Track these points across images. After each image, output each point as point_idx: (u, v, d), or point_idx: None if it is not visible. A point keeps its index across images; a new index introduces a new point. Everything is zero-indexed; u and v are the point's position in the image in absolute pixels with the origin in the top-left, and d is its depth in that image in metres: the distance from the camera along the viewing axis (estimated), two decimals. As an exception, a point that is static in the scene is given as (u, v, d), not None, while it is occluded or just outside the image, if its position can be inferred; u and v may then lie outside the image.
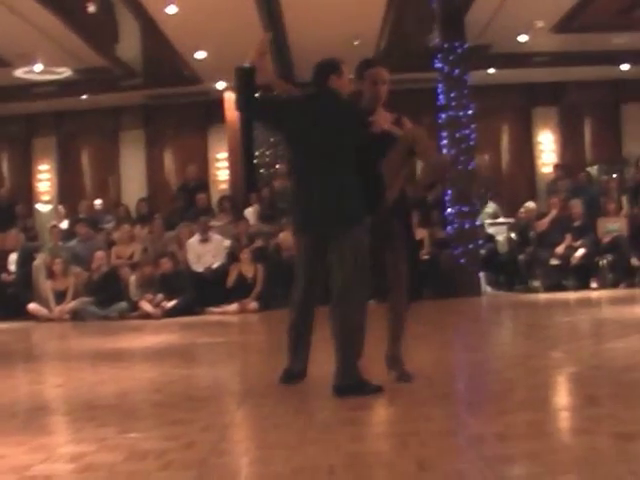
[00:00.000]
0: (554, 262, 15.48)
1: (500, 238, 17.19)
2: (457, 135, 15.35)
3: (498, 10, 15.45)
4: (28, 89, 18.85)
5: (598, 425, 4.44)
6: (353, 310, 6.01)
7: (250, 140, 20.24)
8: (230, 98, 20.15)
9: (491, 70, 18.86)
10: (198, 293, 15.03)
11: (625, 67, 19.41)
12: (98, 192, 20.74)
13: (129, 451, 4.39)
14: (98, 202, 19.38)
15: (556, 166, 19.67)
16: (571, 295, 14.58)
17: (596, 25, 16.47)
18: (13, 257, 16.50)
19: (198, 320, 14.02)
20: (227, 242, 16.15)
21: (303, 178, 6.10)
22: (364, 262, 5.97)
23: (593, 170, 19.51)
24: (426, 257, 15.36)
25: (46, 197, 20.99)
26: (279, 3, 14.67)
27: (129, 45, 17.19)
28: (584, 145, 21.14)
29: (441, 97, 15.59)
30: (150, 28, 15.61)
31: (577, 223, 15.91)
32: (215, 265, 15.50)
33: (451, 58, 15.48)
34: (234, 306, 14.71)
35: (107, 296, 14.94)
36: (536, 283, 15.53)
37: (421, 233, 15.62)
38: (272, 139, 19.95)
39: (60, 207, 19.36)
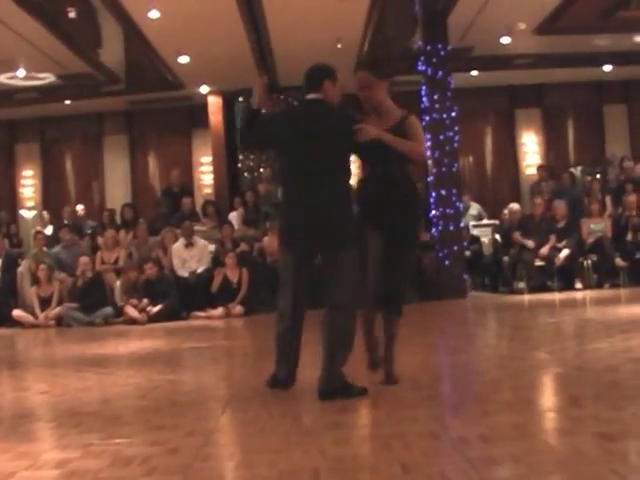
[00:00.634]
0: (538, 263, 15.51)
1: (485, 240, 17.23)
2: (441, 137, 15.36)
3: (480, 12, 15.48)
4: (11, 95, 18.82)
5: (581, 426, 4.46)
6: (348, 319, 6.09)
7: (234, 144, 20.22)
8: (214, 102, 20.19)
9: (474, 72, 18.91)
10: (183, 298, 15.01)
11: (607, 68, 19.49)
12: (82, 198, 20.73)
13: (114, 457, 4.39)
14: (80, 207, 19.33)
15: (540, 167, 19.71)
16: (556, 296, 14.61)
17: (578, 27, 16.52)
18: (-3, 263, 16.46)
19: (183, 325, 14.00)
20: (211, 247, 16.13)
21: (296, 189, 6.14)
22: (357, 275, 6.09)
23: (576, 171, 19.57)
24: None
25: (30, 203, 20.95)
26: (262, 7, 14.65)
27: (112, 50, 17.17)
28: (567, 146, 21.23)
29: (424, 99, 15.59)
30: (133, 33, 15.59)
31: (561, 224, 15.94)
32: (200, 270, 15.48)
33: (434, 60, 15.48)
34: (219, 310, 14.69)
35: (92, 302, 14.90)
36: (521, 284, 15.57)
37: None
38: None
39: (44, 213, 19.33)
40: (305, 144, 6.00)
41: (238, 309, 14.76)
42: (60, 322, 14.94)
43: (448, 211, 15.31)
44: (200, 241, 15.89)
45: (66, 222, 18.29)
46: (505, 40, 16.93)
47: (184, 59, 17.11)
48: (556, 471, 3.69)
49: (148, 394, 6.57)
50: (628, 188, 17.06)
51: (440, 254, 15.35)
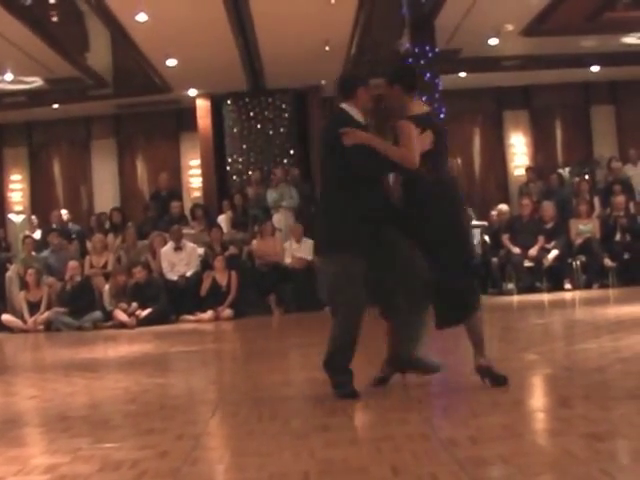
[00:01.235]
0: (527, 264, 15.54)
1: (474, 241, 17.22)
2: (428, 140, 15.34)
3: (467, 14, 15.50)
4: (-2, 99, 18.80)
5: (570, 426, 4.47)
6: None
7: (222, 147, 20.22)
8: (202, 105, 20.17)
9: (462, 74, 18.93)
10: (172, 301, 15.01)
11: (595, 69, 19.52)
12: (70, 202, 20.70)
13: (103, 461, 4.39)
14: (64, 212, 19.27)
15: (528, 169, 19.73)
16: (544, 297, 14.63)
17: (565, 28, 16.56)
18: (-15, 268, 16.43)
19: (172, 328, 14.00)
20: (200, 250, 16.12)
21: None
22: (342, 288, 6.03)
23: (565, 172, 19.59)
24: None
25: (18, 207, 20.89)
26: (249, 11, 14.64)
27: (100, 54, 17.16)
28: (555, 147, 21.26)
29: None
30: (120, 36, 15.57)
31: (549, 225, 15.97)
32: (189, 273, 15.47)
33: (422, 62, 15.51)
34: (208, 314, 14.69)
35: (81, 306, 14.88)
36: (510, 285, 15.58)
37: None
38: (244, 146, 19.93)
39: (33, 217, 19.28)
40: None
41: (227, 312, 14.76)
42: (49, 327, 14.92)
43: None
44: (189, 244, 15.88)
45: (54, 226, 18.24)
46: (493, 42, 16.94)
47: (172, 62, 17.08)
48: (545, 472, 3.69)
49: (137, 398, 6.56)
50: (616, 189, 17.11)
51: (429, 256, 15.31)
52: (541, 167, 20.12)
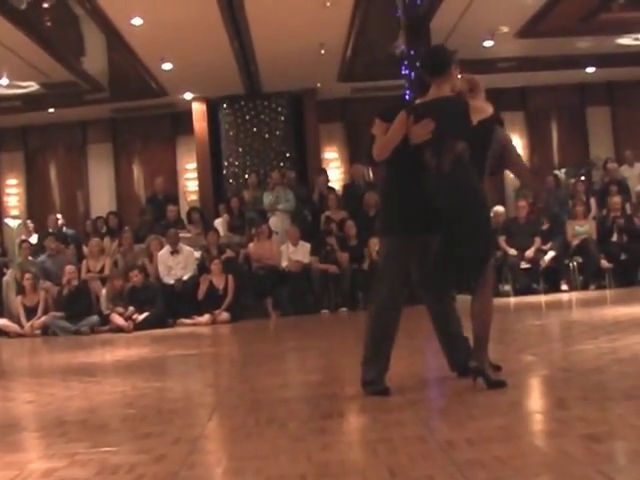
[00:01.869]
0: (524, 266, 15.55)
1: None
2: (425, 141, 15.34)
3: (463, 16, 15.51)
4: (-6, 104, 18.79)
5: (568, 427, 4.46)
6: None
7: (218, 150, 20.22)
8: (198, 109, 20.17)
9: (457, 76, 18.91)
10: (169, 305, 15.01)
11: (590, 70, 19.55)
12: (67, 206, 20.70)
13: (100, 466, 4.38)
14: (59, 216, 19.25)
15: (524, 170, 19.68)
16: (541, 298, 14.64)
17: (560, 30, 16.58)
18: (-18, 273, 16.42)
19: (169, 332, 13.99)
20: (197, 253, 16.12)
21: None
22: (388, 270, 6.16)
23: (561, 173, 19.61)
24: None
25: (15, 212, 20.88)
26: (245, 14, 14.65)
27: (95, 58, 17.14)
28: (551, 149, 21.28)
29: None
30: (116, 41, 15.58)
31: (546, 226, 15.99)
32: (185, 277, 15.47)
33: (417, 64, 15.48)
34: (205, 317, 14.70)
35: (78, 310, 14.88)
36: (506, 287, 15.58)
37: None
38: (240, 149, 19.92)
39: (29, 222, 19.27)
40: None
41: (224, 316, 14.77)
42: (46, 331, 14.92)
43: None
44: (185, 248, 15.88)
45: (51, 231, 18.23)
46: (488, 44, 16.97)
47: (167, 66, 17.10)
48: (543, 473, 3.69)
49: (134, 402, 6.56)
50: (612, 190, 17.13)
51: (425, 258, 15.32)
52: (537, 168, 20.14)
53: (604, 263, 15.63)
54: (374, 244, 15.53)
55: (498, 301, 14.61)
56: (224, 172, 20.10)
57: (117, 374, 8.99)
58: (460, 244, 5.78)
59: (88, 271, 16.03)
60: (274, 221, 17.19)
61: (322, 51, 16.50)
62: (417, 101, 6.11)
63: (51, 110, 19.59)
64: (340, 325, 13.86)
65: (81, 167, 21.20)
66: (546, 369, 6.74)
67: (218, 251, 16.02)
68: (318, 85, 19.76)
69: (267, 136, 19.98)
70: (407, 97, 15.60)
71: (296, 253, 15.73)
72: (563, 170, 19.85)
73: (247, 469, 4.15)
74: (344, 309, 15.20)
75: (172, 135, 21.20)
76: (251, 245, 16.14)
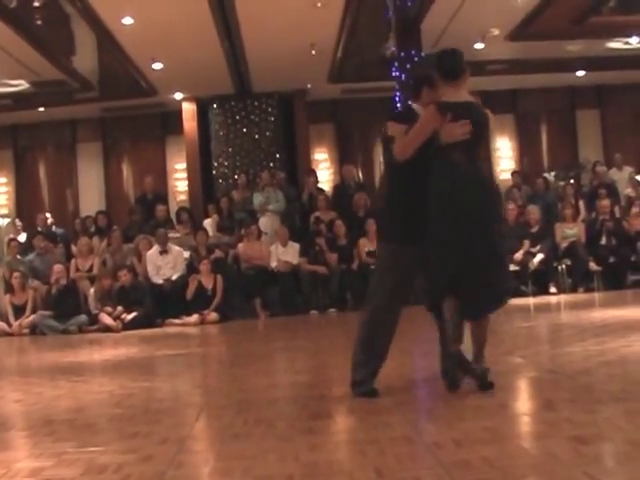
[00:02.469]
0: (512, 268, 15.55)
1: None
2: (415, 143, 15.37)
3: (453, 18, 15.53)
4: (-16, 102, 18.75)
5: (555, 429, 4.47)
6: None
7: (208, 151, 20.20)
8: (188, 109, 20.16)
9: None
10: (157, 305, 14.99)
11: (580, 74, 19.59)
12: (56, 205, 20.67)
13: (87, 465, 4.37)
14: (48, 215, 19.20)
15: (514, 173, 19.76)
16: (530, 300, 14.65)
17: (551, 33, 16.61)
18: (-29, 271, 16.37)
19: (158, 332, 13.97)
20: (186, 253, 16.09)
21: None
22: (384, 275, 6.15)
23: (550, 176, 19.66)
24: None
25: (3, 210, 20.83)
26: (235, 14, 14.64)
27: (85, 57, 17.11)
28: (541, 151, 21.33)
29: (399, 105, 15.63)
30: (106, 40, 15.56)
31: (535, 229, 16.02)
32: (174, 277, 15.45)
33: (408, 66, 15.53)
34: (194, 317, 14.67)
35: (66, 310, 14.84)
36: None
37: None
38: (230, 150, 19.91)
39: (17, 220, 19.23)
40: None
41: (213, 316, 14.75)
42: (34, 330, 14.87)
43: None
44: (174, 248, 15.85)
45: (40, 229, 18.19)
46: (478, 46, 16.98)
47: (158, 66, 17.08)
48: (530, 474, 3.70)
49: (122, 402, 6.55)
50: (601, 193, 17.16)
51: (414, 259, 15.33)
52: (527, 171, 20.18)
53: (593, 266, 15.66)
54: (363, 245, 15.58)
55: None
56: (214, 172, 20.09)
57: (105, 374, 8.98)
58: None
59: (77, 270, 16.00)
60: (264, 222, 17.18)
61: (312, 52, 16.50)
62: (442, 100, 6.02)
63: (41, 109, 19.55)
64: (329, 326, 13.87)
65: (70, 166, 21.16)
66: (534, 371, 6.75)
67: (207, 251, 16.00)
68: (308, 86, 19.76)
69: (257, 136, 19.97)
70: (397, 99, 15.64)
71: (285, 254, 15.73)
72: (552, 173, 19.90)
73: (235, 469, 4.16)
74: (333, 310, 15.21)
75: (162, 135, 21.19)
76: (240, 245, 16.13)
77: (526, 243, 15.71)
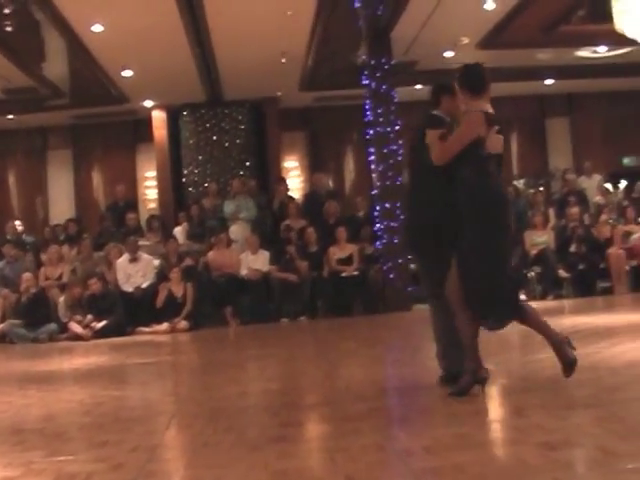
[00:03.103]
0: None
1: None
2: (384, 151, 15.46)
3: (424, 27, 15.58)
4: (-46, 109, 18.65)
5: (525, 436, 4.48)
6: None
7: (178, 158, 20.16)
8: (158, 116, 20.11)
9: (418, 86, 18.98)
10: (128, 313, 14.93)
11: (550, 82, 19.70)
12: (26, 212, 20.55)
13: (56, 474, 4.34)
14: (17, 223, 19.09)
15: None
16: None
17: (521, 41, 16.69)
18: (-61, 280, 16.25)
19: (128, 340, 13.92)
20: (156, 261, 16.05)
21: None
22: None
23: (520, 184, 19.72)
24: (355, 273, 15.43)
25: (-27, 218, 20.69)
26: (206, 22, 14.63)
27: (56, 64, 17.02)
28: (511, 159, 21.38)
29: (368, 113, 15.68)
30: (76, 47, 15.49)
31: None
32: (144, 285, 15.40)
33: (378, 74, 15.59)
34: (164, 326, 14.63)
35: (36, 318, 14.76)
36: (465, 296, 15.60)
37: (350, 249, 15.70)
38: (201, 157, 19.88)
39: (-15, 228, 19.11)
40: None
41: (183, 324, 14.71)
42: (4, 339, 14.78)
43: (392, 224, 15.37)
44: (145, 256, 15.81)
45: (9, 237, 18.08)
46: (448, 54, 17.03)
47: (128, 73, 17.04)
48: (499, 481, 3.71)
49: (92, 410, 6.52)
50: (571, 200, 17.26)
51: (385, 267, 15.40)
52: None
53: (562, 273, 15.75)
54: (334, 252, 15.59)
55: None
56: (184, 180, 20.04)
57: (75, 382, 8.95)
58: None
59: (46, 279, 15.92)
60: (235, 229, 17.15)
61: (283, 60, 16.50)
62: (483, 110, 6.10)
63: (10, 116, 19.46)
64: (300, 333, 13.86)
65: (41, 173, 21.05)
66: (505, 378, 6.77)
67: (177, 259, 15.97)
68: (279, 94, 19.76)
69: (227, 144, 19.95)
70: (367, 107, 15.69)
71: (255, 261, 15.71)
72: (522, 180, 19.97)
73: (205, 477, 4.14)
74: (303, 317, 15.20)
75: (132, 142, 21.11)
76: (211, 253, 16.10)
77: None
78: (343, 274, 15.45)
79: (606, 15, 13.19)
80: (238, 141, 20.04)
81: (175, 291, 14.97)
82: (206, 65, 17.16)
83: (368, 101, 15.76)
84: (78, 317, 14.60)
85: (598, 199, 18.28)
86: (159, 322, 14.73)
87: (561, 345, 6.03)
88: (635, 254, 16.10)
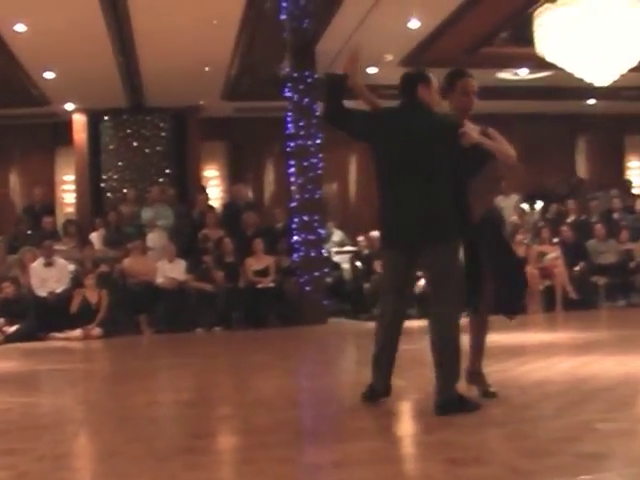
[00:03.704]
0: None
1: (346, 266, 17.36)
2: (305, 164, 15.50)
3: (348, 42, 15.64)
4: None
5: (432, 452, 4.53)
6: (450, 325, 6.02)
7: (98, 163, 19.99)
8: (78, 120, 19.92)
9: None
10: (41, 318, 14.72)
11: (472, 102, 19.92)
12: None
13: (-42, 482, 4.28)
14: None
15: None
16: (415, 323, 14.77)
17: (444, 60, 16.78)
18: None
19: (40, 346, 13.72)
20: (71, 266, 15.87)
21: (395, 193, 6.04)
22: (460, 279, 6.06)
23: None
24: (271, 285, 15.44)
25: None
26: (130, 28, 14.54)
27: (-25, 64, 16.80)
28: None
29: (290, 126, 15.71)
30: (-3, 45, 15.30)
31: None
32: (59, 290, 15.21)
33: (301, 87, 15.64)
34: (77, 332, 14.45)
35: (-54, 321, 14.50)
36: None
37: (267, 260, 15.70)
38: (120, 163, 19.75)
39: None
40: (408, 145, 6.03)
41: (97, 331, 14.55)
42: None
43: (310, 237, 15.42)
44: (60, 261, 15.62)
45: None
46: (372, 70, 17.13)
47: (50, 75, 16.85)
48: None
49: (-1, 417, 6.43)
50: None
51: (301, 280, 15.44)
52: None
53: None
54: (250, 263, 15.58)
55: (373, 325, 14.80)
56: (103, 185, 19.88)
57: (-17, 387, 8.80)
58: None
59: (-42, 281, 15.65)
60: (152, 237, 17.04)
61: (207, 68, 16.47)
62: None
63: None
64: (214, 344, 13.80)
65: (-44, 174, 20.72)
66: (416, 393, 6.82)
67: (93, 265, 15.81)
68: (202, 102, 19.71)
69: (148, 151, 19.83)
70: (289, 119, 15.74)
71: (172, 270, 15.62)
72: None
73: (111, 487, 4.11)
74: (218, 328, 15.14)
75: (52, 145, 20.85)
76: (126, 260, 15.96)
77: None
78: (259, 285, 15.43)
79: (528, 39, 13.39)
80: (159, 148, 19.94)
81: (90, 297, 14.80)
82: (129, 71, 17.04)
83: (290, 114, 15.80)
84: (-11, 321, 14.38)
85: (514, 219, 18.51)
86: (72, 328, 14.55)
87: (472, 376, 6.22)
88: (549, 274, 16.34)
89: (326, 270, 16.22)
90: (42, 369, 10.55)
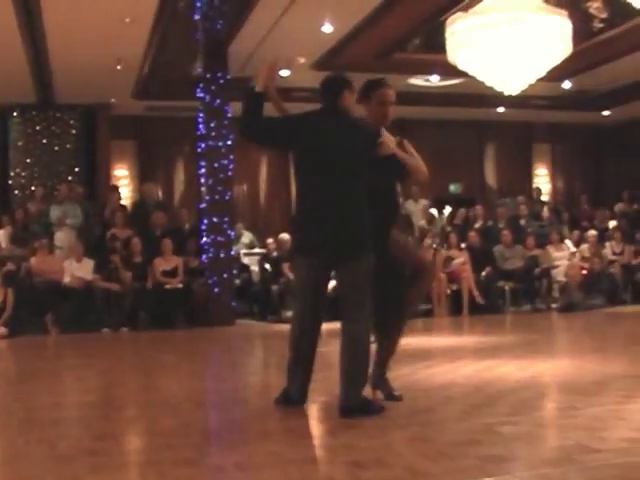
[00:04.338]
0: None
1: (255, 268, 17.37)
2: (215, 165, 15.49)
3: (261, 44, 15.66)
4: None
5: (335, 454, 4.57)
6: (364, 333, 6.05)
7: (5, 160, 19.70)
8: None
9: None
10: (-57, 317, 14.49)
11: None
12: None
13: None
14: None
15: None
16: (324, 326, 14.83)
17: (356, 65, 16.89)
18: None
19: (-58, 345, 13.52)
20: (-24, 265, 15.62)
21: (314, 198, 5.97)
22: (371, 287, 6.01)
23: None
24: (180, 285, 15.39)
25: None
26: (41, 22, 14.35)
27: None
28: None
29: (201, 127, 15.68)
30: None
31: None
32: (-37, 288, 14.97)
33: (213, 88, 15.62)
34: (-19, 331, 14.26)
35: None
36: (289, 313, 15.70)
37: (175, 261, 15.63)
38: (29, 160, 19.49)
39: None
40: (327, 149, 5.96)
41: (2, 330, 14.34)
42: None
43: (219, 238, 15.42)
44: (-36, 258, 15.38)
45: None
46: (284, 73, 17.16)
47: (-43, 71, 16.58)
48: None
49: None
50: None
51: (210, 281, 15.41)
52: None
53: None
54: (158, 264, 15.49)
55: (281, 327, 14.82)
56: (10, 182, 19.59)
57: None
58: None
59: None
60: (60, 236, 16.84)
61: (118, 66, 16.34)
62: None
63: None
64: (120, 344, 13.70)
65: None
66: (323, 396, 6.84)
67: (-1, 263, 15.59)
68: (112, 100, 19.54)
69: (57, 148, 19.62)
70: (200, 119, 15.71)
71: (79, 269, 15.46)
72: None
73: (11, 489, 4.07)
74: (125, 328, 15.04)
75: (-42, 141, 20.51)
76: (33, 259, 15.76)
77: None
78: (167, 286, 15.36)
79: (440, 46, 13.54)
80: (68, 146, 19.73)
81: (-6, 296, 14.61)
82: (39, 66, 16.81)
83: (201, 114, 15.76)
84: None
85: (422, 223, 18.70)
86: (-24, 327, 14.35)
87: (377, 380, 6.33)
88: (456, 279, 16.54)
89: (235, 272, 16.22)
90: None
